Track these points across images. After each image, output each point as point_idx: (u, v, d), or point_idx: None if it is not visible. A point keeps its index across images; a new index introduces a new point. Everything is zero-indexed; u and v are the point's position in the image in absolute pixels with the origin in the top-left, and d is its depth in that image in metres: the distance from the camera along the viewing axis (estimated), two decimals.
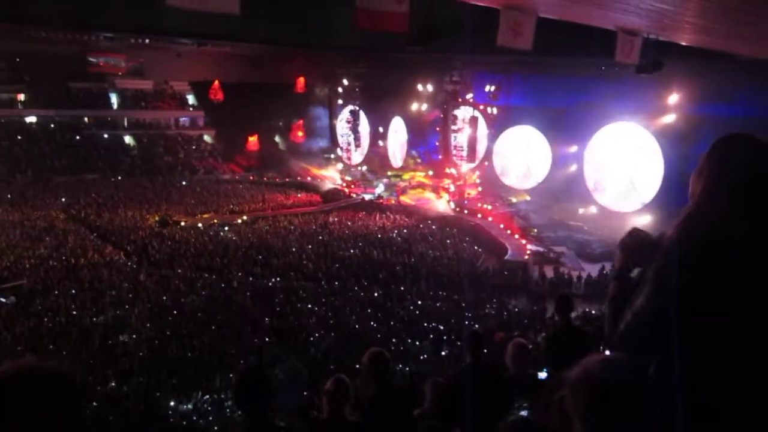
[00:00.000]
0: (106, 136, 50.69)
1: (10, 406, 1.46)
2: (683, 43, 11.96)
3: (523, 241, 31.39)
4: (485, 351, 7.25)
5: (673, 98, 29.27)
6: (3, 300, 20.74)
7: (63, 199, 37.42)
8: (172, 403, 13.09)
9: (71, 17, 38.73)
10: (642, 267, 2.04)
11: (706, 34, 10.19)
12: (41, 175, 42.61)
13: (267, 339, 17.08)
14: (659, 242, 2.00)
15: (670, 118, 29.59)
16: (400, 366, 14.12)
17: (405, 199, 41.95)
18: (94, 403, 12.55)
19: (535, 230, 33.85)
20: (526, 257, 29.08)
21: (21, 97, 48.76)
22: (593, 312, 18.09)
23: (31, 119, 48.76)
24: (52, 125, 48.97)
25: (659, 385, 1.68)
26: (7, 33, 41.98)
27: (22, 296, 20.99)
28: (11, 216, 32.42)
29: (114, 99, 53.11)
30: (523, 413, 3.85)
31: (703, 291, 1.78)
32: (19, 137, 46.70)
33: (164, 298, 21.11)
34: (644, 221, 28.61)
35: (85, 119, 50.79)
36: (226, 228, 32.70)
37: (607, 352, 2.13)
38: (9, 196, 37.16)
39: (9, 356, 14.63)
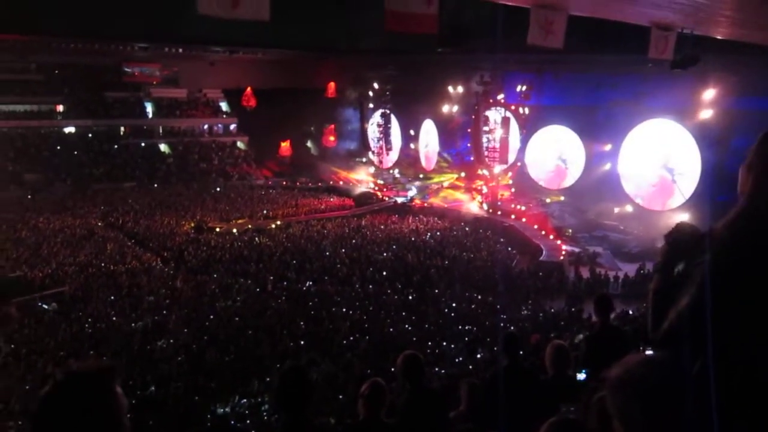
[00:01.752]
0: (142, 144, 51.68)
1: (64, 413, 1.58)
2: (719, 37, 11.74)
3: (558, 242, 31.07)
4: (521, 353, 7.18)
5: (710, 93, 28.71)
6: (46, 307, 21.23)
7: (101, 207, 38.17)
8: (211, 408, 13.23)
9: (105, 28, 39.63)
10: (687, 263, 1.98)
11: (743, 27, 9.99)
12: (80, 184, 43.64)
13: (302, 342, 17.17)
14: (706, 238, 1.93)
15: (706, 114, 29.02)
16: (436, 369, 14.08)
17: (436, 200, 41.94)
18: (134, 402, 12.77)
19: (570, 230, 33.48)
20: (562, 258, 28.78)
21: (60, 108, 50.02)
22: (631, 312, 17.80)
23: (70, 129, 50.00)
24: (90, 135, 50.13)
25: (702, 386, 1.64)
26: (45, 46, 43.23)
27: (64, 303, 21.45)
28: (52, 224, 33.19)
29: (149, 108, 54.19)
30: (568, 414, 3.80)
31: (757, 291, 1.71)
32: (58, 147, 47.90)
33: (201, 303, 21.37)
34: (682, 219, 28.10)
35: (122, 128, 51.89)
36: (261, 233, 32.98)
37: (648, 352, 2.09)
38: (50, 204, 38.07)
39: (52, 362, 15.00)
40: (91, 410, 1.59)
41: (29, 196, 40.43)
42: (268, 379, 13.83)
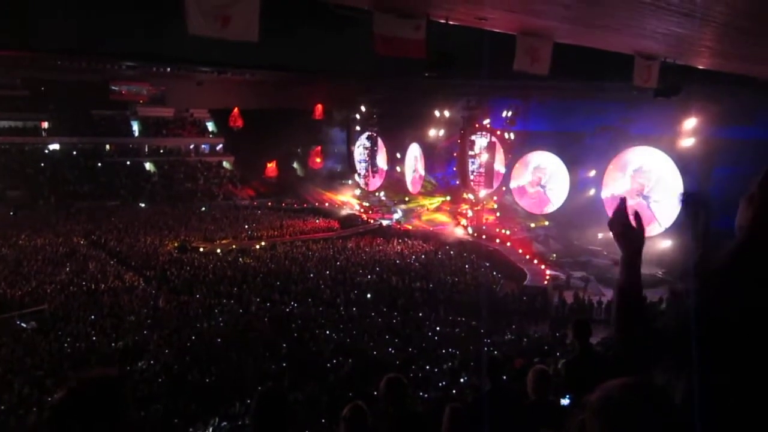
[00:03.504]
0: (127, 163, 51.44)
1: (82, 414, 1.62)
2: (701, 67, 11.95)
3: (543, 267, 31.16)
4: (504, 378, 7.16)
5: (692, 122, 29.11)
6: (24, 325, 20.91)
7: (85, 225, 37.82)
8: (190, 430, 13.04)
9: (94, 46, 39.65)
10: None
11: (724, 57, 10.19)
12: (63, 202, 43.24)
13: (285, 365, 17.02)
14: (700, 266, 1.91)
15: (689, 142, 29.40)
16: (421, 393, 13.98)
17: (421, 223, 42.04)
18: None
19: (554, 255, 33.62)
20: (546, 283, 28.84)
21: (45, 125, 49.74)
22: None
23: (55, 146, 49.70)
24: (75, 152, 49.84)
25: (683, 412, 1.64)
26: (32, 62, 43.12)
27: (43, 321, 21.13)
28: (34, 241, 32.82)
29: (135, 126, 54.04)
30: None
31: (752, 323, 1.69)
32: (43, 164, 47.58)
33: (183, 323, 21.14)
34: (665, 245, 28.33)
35: (107, 146, 51.69)
36: (245, 254, 32.80)
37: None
38: (32, 222, 37.66)
39: (28, 381, 14.74)
40: (104, 418, 1.62)
41: (11, 213, 40.00)
42: (249, 401, 13.66)
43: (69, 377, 1.67)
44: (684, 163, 28.98)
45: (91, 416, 1.60)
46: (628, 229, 2.15)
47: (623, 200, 2.22)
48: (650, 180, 30.95)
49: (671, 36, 8.46)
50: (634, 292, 1.99)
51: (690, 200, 2.46)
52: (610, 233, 2.23)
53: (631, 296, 1.98)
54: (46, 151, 49.40)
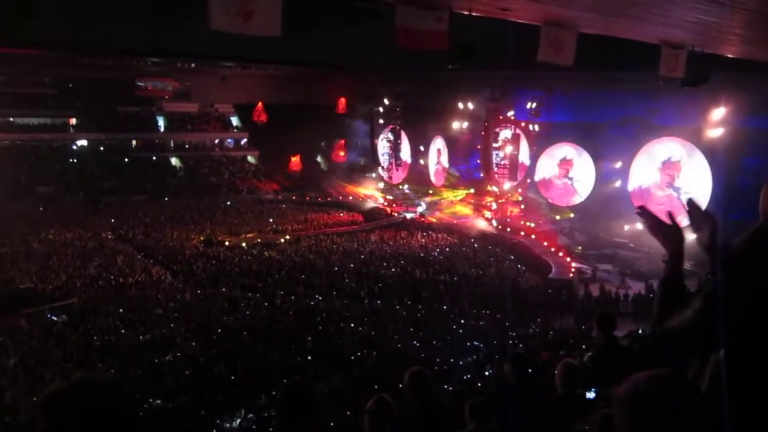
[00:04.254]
0: (153, 158, 52.05)
1: (71, 418, 1.58)
2: (729, 56, 11.73)
3: (568, 259, 30.91)
4: (530, 371, 7.12)
5: (720, 112, 28.60)
6: (55, 318, 21.28)
7: (112, 220, 38.35)
8: (217, 422, 13.18)
9: (118, 43, 40.09)
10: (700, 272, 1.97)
11: (754, 45, 9.99)
12: (91, 197, 43.87)
13: (310, 357, 17.11)
14: (722, 252, 1.90)
15: (717, 132, 28.89)
16: (446, 386, 13.98)
17: (445, 216, 41.93)
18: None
19: (580, 248, 33.32)
20: (571, 275, 28.61)
21: (72, 121, 50.51)
22: (641, 331, 17.64)
23: (82, 143, 50.53)
24: (102, 148, 50.58)
25: (711, 403, 1.62)
26: (59, 60, 43.74)
27: (73, 315, 21.49)
28: (63, 236, 33.35)
29: (161, 122, 54.57)
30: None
31: None
32: (71, 160, 48.40)
33: (209, 317, 21.35)
34: (692, 237, 27.91)
35: (133, 142, 52.35)
36: (270, 247, 32.99)
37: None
38: (61, 217, 38.25)
39: (59, 373, 15.00)
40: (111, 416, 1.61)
41: (41, 209, 40.67)
42: (275, 393, 13.75)
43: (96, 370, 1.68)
44: (713, 153, 28.49)
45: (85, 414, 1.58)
46: (667, 229, 2.17)
47: (643, 209, 2.26)
48: (679, 171, 30.48)
49: (699, 24, 8.31)
50: (676, 283, 1.99)
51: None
52: (638, 226, 2.25)
53: (672, 287, 1.98)
54: (74, 148, 50.26)
